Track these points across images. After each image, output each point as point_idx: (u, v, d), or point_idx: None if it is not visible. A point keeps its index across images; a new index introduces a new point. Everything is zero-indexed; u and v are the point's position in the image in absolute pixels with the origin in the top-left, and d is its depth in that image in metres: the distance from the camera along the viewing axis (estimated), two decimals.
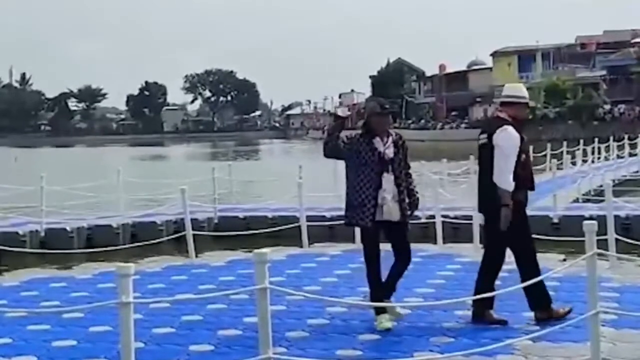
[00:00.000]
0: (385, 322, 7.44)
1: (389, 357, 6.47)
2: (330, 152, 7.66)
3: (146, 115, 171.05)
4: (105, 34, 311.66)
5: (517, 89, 7.87)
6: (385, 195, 7.52)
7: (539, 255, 7.78)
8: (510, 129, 7.48)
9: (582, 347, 6.47)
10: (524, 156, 7.56)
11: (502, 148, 7.39)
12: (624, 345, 6.64)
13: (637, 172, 28.77)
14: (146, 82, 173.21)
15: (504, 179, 7.36)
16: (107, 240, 15.82)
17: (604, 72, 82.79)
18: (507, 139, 7.43)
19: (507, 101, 7.69)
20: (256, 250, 5.10)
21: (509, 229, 7.36)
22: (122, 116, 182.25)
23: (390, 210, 7.54)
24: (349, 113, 7.90)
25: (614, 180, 21.19)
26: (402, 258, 7.70)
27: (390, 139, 7.67)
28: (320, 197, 19.14)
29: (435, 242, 12.75)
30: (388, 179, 7.56)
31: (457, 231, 15.32)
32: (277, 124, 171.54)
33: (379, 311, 7.50)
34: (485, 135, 7.57)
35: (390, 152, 7.60)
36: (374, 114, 7.64)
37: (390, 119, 7.76)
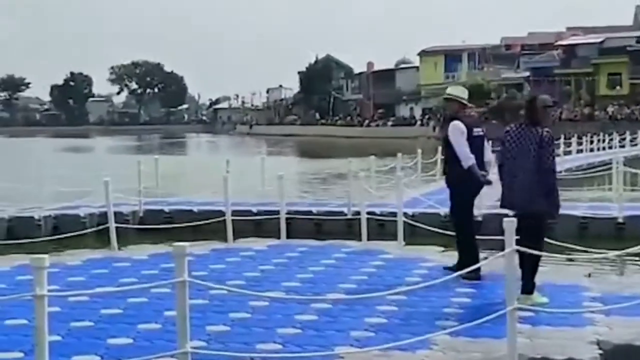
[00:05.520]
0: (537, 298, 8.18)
1: (309, 351, 6.49)
2: None
3: (70, 106, 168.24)
4: (29, 22, 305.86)
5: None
6: None
7: None
8: None
9: (499, 343, 6.56)
10: None
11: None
12: (540, 342, 6.77)
13: (560, 172, 29.26)
14: (71, 73, 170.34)
15: None
16: (28, 232, 15.52)
17: (527, 74, 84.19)
18: None
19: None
20: (175, 244, 5.05)
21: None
22: (46, 106, 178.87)
23: None
24: None
25: None
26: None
27: None
28: (246, 192, 19.07)
29: (360, 239, 12.80)
30: None
31: (381, 228, 15.44)
32: (205, 118, 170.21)
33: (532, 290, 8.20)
34: (480, 129, 9.66)
35: None
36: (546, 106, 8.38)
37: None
